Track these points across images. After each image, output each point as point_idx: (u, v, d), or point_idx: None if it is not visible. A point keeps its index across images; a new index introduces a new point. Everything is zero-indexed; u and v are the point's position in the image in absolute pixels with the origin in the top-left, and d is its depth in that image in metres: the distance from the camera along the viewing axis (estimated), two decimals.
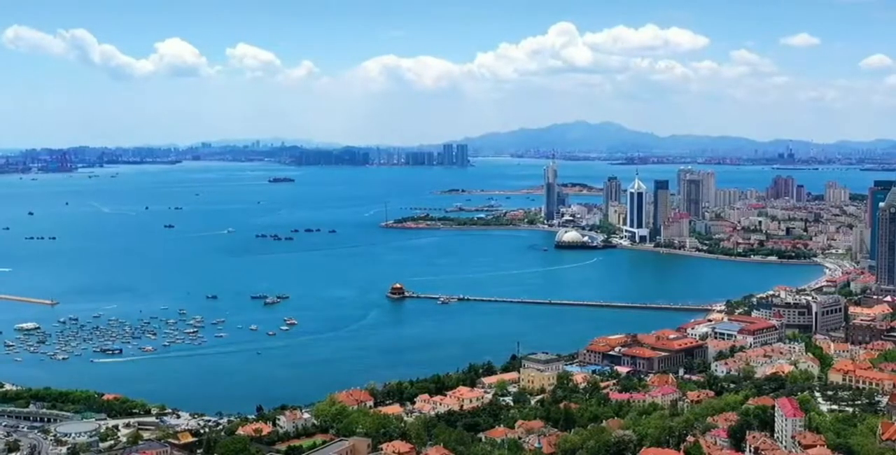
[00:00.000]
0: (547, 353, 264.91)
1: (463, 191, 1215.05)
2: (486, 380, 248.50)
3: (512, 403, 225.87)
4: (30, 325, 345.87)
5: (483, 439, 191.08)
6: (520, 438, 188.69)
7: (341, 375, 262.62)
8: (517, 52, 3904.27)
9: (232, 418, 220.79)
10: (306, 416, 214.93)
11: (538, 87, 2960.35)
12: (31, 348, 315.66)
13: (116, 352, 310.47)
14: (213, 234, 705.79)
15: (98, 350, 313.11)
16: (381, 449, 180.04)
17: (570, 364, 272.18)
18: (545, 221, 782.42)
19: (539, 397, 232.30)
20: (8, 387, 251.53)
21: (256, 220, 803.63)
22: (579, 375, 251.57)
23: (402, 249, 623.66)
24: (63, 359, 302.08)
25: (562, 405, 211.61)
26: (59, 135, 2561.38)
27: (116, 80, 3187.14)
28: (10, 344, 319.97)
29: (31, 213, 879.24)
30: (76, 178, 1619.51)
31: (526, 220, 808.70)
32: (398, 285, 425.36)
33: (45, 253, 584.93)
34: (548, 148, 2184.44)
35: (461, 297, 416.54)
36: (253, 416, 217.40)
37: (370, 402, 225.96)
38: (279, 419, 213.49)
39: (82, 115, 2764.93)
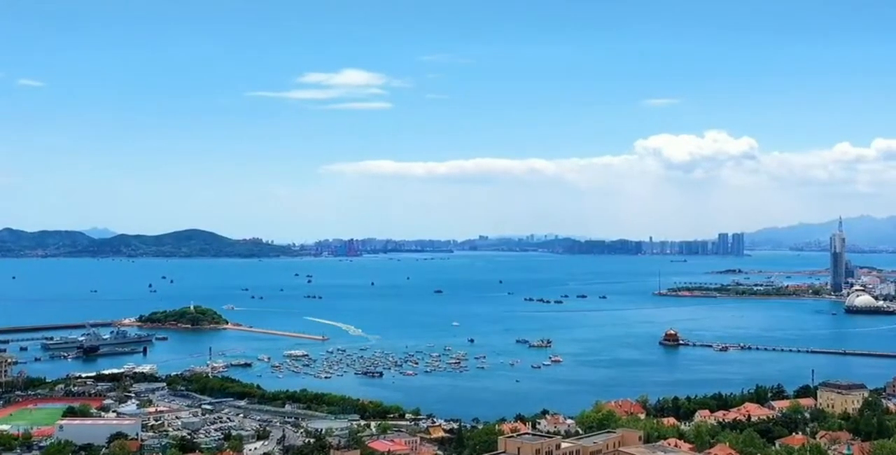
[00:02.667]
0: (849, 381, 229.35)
1: (740, 271, 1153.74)
2: (777, 404, 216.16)
3: (809, 420, 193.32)
4: (298, 352, 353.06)
5: (777, 446, 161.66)
6: (824, 445, 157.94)
7: (607, 392, 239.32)
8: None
9: (489, 422, 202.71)
10: (569, 421, 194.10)
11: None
12: (296, 369, 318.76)
13: (377, 375, 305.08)
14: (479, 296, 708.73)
15: (360, 373, 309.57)
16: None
17: (878, 398, 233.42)
18: (832, 293, 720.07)
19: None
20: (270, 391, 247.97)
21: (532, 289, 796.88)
22: (890, 403, 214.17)
23: (673, 310, 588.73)
24: (325, 377, 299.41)
25: (874, 420, 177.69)
26: (348, 229, 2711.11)
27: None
28: (277, 365, 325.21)
29: (309, 281, 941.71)
30: (358, 261, 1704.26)
31: (810, 291, 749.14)
32: (672, 332, 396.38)
33: (317, 306, 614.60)
34: (830, 242, 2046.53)
35: (742, 345, 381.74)
36: (511, 420, 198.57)
37: (641, 415, 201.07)
38: (540, 423, 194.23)
39: (369, 213, 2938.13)
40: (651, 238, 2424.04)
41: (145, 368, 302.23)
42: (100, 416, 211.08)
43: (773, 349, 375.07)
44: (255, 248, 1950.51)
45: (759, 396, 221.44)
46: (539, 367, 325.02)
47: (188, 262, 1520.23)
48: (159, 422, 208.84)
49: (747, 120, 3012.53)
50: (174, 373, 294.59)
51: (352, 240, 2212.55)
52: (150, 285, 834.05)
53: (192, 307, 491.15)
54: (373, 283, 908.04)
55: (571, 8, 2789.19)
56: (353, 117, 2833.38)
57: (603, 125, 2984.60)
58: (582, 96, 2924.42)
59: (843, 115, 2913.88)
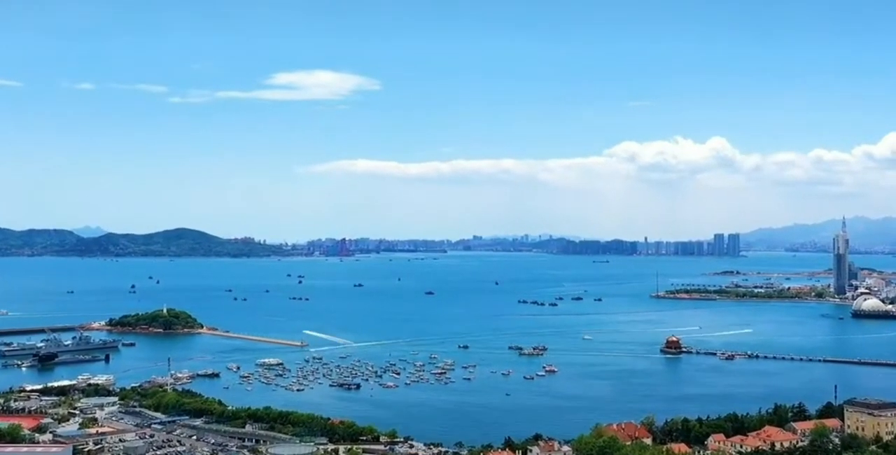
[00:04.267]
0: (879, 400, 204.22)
1: (738, 272, 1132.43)
2: (799, 425, 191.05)
3: (841, 448, 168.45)
4: (272, 360, 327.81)
5: None
6: None
7: (607, 410, 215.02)
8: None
9: (474, 448, 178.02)
10: (565, 448, 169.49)
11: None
12: (267, 380, 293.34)
13: (354, 387, 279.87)
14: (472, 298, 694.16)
15: (335, 384, 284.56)
16: None
17: None
18: (835, 295, 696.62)
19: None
20: (230, 408, 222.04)
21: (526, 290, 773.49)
22: None
23: (672, 314, 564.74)
24: (298, 390, 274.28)
25: None
26: (342, 229, 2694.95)
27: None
28: (246, 375, 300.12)
29: (300, 281, 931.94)
30: (349, 261, 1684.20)
31: (813, 293, 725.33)
32: (674, 339, 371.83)
33: (300, 309, 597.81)
34: (825, 243, 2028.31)
35: (749, 353, 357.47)
36: (499, 446, 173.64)
37: (647, 439, 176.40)
38: (531, 450, 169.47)
39: (360, 213, 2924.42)
40: (646, 238, 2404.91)
41: (101, 379, 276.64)
42: (31, 440, 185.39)
43: (783, 358, 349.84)
44: (246, 248, 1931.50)
45: (780, 417, 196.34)
46: (532, 379, 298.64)
47: (177, 262, 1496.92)
48: (99, 446, 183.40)
49: (729, 122, 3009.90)
50: (134, 384, 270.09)
51: (344, 239, 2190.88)
52: (133, 286, 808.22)
53: (164, 310, 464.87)
54: (361, 285, 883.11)
55: (547, 8, 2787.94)
56: (325, 118, 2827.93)
57: (582, 126, 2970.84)
58: (560, 96, 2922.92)
59: (832, 118, 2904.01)
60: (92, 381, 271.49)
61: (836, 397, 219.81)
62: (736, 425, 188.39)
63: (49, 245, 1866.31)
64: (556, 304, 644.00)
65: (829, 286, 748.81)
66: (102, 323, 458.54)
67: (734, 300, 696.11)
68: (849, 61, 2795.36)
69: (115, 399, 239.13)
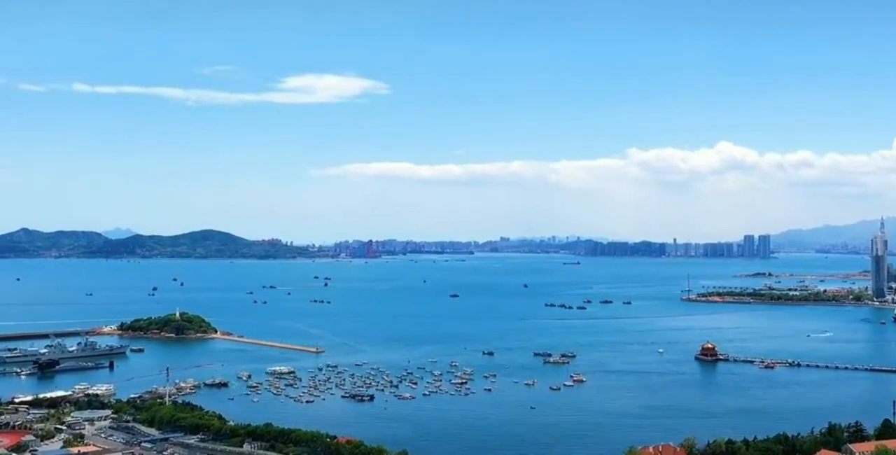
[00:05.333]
0: None
1: (770, 274, 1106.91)
2: (857, 447, 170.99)
3: None
4: (284, 368, 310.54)
5: None
6: None
7: (641, 427, 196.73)
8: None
9: None
10: None
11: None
12: (277, 390, 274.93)
13: (367, 398, 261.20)
14: (498, 301, 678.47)
15: (347, 395, 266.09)
16: None
17: None
18: (875, 298, 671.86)
19: None
20: (229, 424, 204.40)
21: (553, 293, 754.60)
22: None
23: (705, 318, 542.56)
24: (307, 402, 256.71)
25: None
26: (370, 230, 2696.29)
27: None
28: (254, 385, 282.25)
29: (326, 284, 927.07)
30: (375, 262, 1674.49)
31: (851, 296, 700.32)
32: (709, 345, 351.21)
33: (320, 313, 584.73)
34: (855, 244, 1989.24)
35: (790, 361, 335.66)
36: None
37: None
38: None
39: (386, 215, 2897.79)
40: (675, 240, 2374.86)
41: (101, 389, 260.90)
42: None
43: (826, 366, 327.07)
44: (273, 249, 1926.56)
45: (835, 438, 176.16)
46: (559, 389, 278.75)
47: (202, 264, 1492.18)
48: None
49: (739, 124, 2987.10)
50: (134, 395, 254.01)
51: (371, 241, 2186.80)
52: (154, 288, 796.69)
53: (177, 314, 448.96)
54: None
55: (554, 10, 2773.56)
56: (336, 121, 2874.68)
57: (590, 128, 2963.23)
58: (567, 98, 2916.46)
59: (845, 119, 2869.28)
60: (90, 391, 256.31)
61: (894, 414, 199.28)
62: (787, 448, 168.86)
63: (76, 246, 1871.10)
64: (584, 308, 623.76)
65: (866, 289, 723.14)
66: (113, 327, 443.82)
67: (769, 303, 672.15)
68: (855, 61, 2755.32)
69: (109, 412, 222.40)
